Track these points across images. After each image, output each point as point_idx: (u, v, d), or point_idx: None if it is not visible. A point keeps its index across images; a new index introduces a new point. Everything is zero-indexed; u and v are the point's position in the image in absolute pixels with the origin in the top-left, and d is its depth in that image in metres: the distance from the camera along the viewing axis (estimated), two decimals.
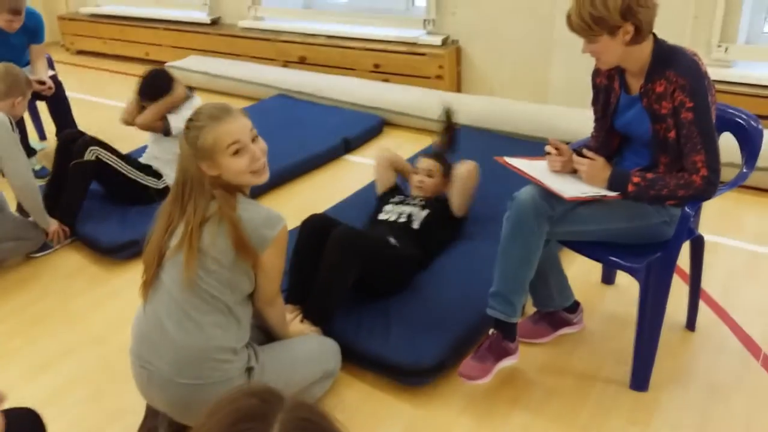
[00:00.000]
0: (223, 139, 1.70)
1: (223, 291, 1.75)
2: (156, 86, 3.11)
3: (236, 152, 1.72)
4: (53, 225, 2.94)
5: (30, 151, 3.73)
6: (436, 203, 2.62)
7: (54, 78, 3.69)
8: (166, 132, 3.12)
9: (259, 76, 4.72)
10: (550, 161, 2.00)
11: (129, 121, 3.21)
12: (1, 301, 2.66)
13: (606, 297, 2.43)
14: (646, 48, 1.79)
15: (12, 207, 3.06)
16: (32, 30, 3.63)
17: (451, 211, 2.62)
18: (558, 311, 2.20)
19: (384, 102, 4.12)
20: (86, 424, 1.99)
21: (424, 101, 4.03)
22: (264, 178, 1.82)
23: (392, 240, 2.34)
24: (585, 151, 1.95)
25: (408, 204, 2.61)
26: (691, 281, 2.17)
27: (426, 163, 2.74)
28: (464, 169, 2.66)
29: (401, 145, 3.84)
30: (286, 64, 4.95)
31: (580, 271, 2.53)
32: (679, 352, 2.14)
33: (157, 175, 3.16)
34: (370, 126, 4.00)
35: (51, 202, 3.02)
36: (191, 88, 3.30)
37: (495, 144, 3.53)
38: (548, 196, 1.85)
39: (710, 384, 2.00)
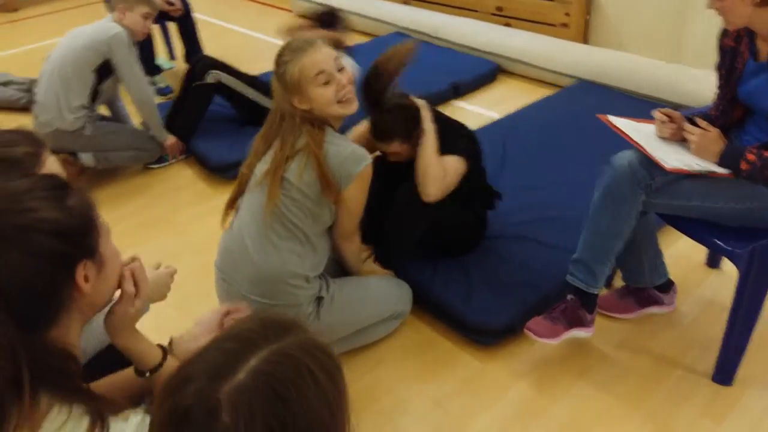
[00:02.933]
0: (308, 69, 1.72)
1: (304, 220, 1.80)
2: (333, 18, 3.20)
3: (323, 82, 1.74)
4: (170, 139, 3.13)
5: (156, 69, 3.98)
6: None
7: (183, 1, 3.84)
8: None
9: (377, 12, 4.67)
10: (659, 127, 1.84)
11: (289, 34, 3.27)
12: (117, 205, 2.91)
13: (707, 281, 2.24)
14: None
15: (136, 121, 3.30)
16: None
17: None
18: (648, 288, 2.07)
19: (501, 47, 3.94)
20: (169, 326, 2.14)
21: (544, 49, 3.81)
22: (353, 107, 1.82)
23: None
24: (699, 120, 1.77)
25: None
26: None
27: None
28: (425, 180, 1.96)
29: (513, 95, 3.70)
30: (406, 1, 4.85)
31: (683, 250, 2.35)
32: None
33: None
34: (483, 72, 3.86)
35: (174, 119, 3.22)
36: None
37: (615, 103, 3.30)
38: (648, 163, 1.70)
39: None
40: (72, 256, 0.90)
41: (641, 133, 1.84)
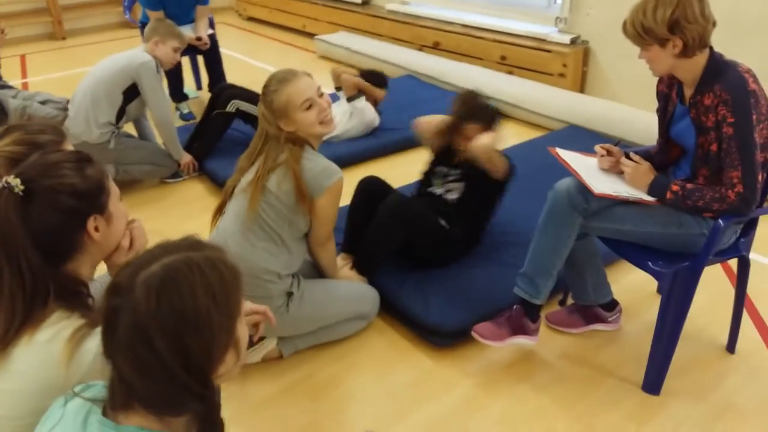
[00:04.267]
0: (294, 97, 2.00)
1: (280, 224, 2.06)
2: (380, 79, 3.81)
3: (306, 107, 2.01)
4: (186, 158, 3.46)
5: (183, 96, 4.35)
6: (475, 173, 2.46)
7: (212, 36, 4.23)
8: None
9: (392, 56, 5.02)
10: (599, 160, 2.08)
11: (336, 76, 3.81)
12: (133, 213, 3.01)
13: (654, 306, 2.40)
14: (699, 61, 1.80)
15: (159, 140, 3.63)
16: None
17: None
18: (594, 307, 2.26)
19: (502, 93, 4.21)
20: None
21: (540, 96, 4.09)
22: (332, 126, 2.11)
23: (442, 222, 2.43)
24: (632, 155, 2.00)
25: (448, 179, 2.55)
26: (735, 304, 2.12)
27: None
28: (479, 147, 2.33)
29: (508, 137, 3.95)
30: (421, 47, 5.20)
31: (637, 279, 2.54)
32: (710, 369, 2.11)
33: None
34: None
35: (193, 141, 3.56)
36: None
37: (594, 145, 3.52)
38: (585, 189, 1.93)
39: (728, 403, 1.97)
40: (84, 212, 1.21)
41: (584, 164, 2.07)
